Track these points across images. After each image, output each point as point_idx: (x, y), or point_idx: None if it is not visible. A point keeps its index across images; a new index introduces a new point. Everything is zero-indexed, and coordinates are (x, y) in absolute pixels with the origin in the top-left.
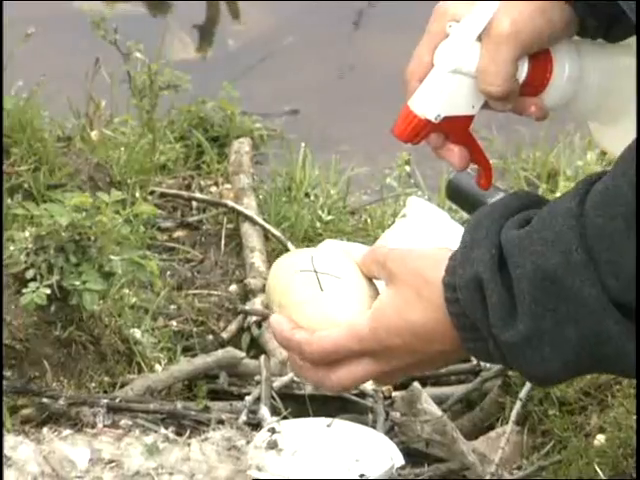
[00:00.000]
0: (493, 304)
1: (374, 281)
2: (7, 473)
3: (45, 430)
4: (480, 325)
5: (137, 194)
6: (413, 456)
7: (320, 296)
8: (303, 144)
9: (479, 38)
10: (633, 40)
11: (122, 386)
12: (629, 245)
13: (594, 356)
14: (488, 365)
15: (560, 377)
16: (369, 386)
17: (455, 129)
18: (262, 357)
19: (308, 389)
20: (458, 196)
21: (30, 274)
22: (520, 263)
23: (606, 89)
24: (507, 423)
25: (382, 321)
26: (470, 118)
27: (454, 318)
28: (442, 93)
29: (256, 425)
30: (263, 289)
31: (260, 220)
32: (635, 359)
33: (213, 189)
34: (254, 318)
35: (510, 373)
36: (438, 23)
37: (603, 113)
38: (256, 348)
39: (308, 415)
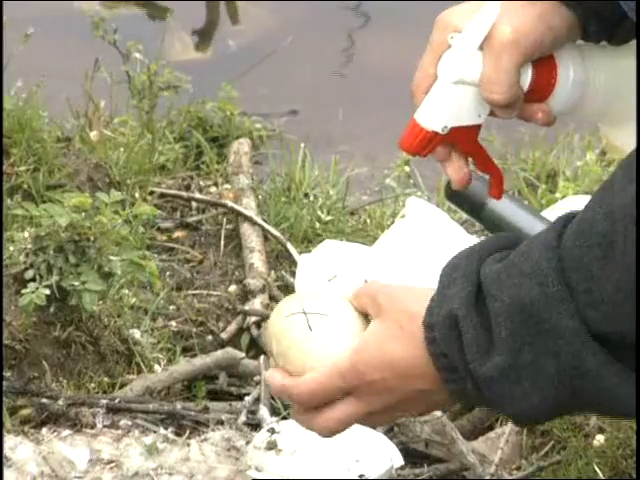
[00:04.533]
0: (469, 340)
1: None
2: (7, 473)
3: (44, 430)
4: (457, 363)
5: (136, 194)
6: (412, 456)
7: (309, 338)
8: (302, 144)
9: (481, 47)
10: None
11: (121, 386)
12: (607, 274)
13: (573, 391)
14: None
15: (541, 414)
16: None
17: (462, 139)
18: (261, 357)
19: None
20: (456, 196)
21: (29, 274)
22: (497, 296)
23: (613, 90)
24: (506, 423)
25: (363, 355)
26: (477, 127)
27: (434, 358)
28: (447, 104)
29: (255, 425)
30: (262, 289)
31: (259, 220)
32: (618, 396)
33: (212, 189)
34: (253, 318)
35: None
36: (440, 34)
37: (612, 115)
38: (255, 348)
39: None
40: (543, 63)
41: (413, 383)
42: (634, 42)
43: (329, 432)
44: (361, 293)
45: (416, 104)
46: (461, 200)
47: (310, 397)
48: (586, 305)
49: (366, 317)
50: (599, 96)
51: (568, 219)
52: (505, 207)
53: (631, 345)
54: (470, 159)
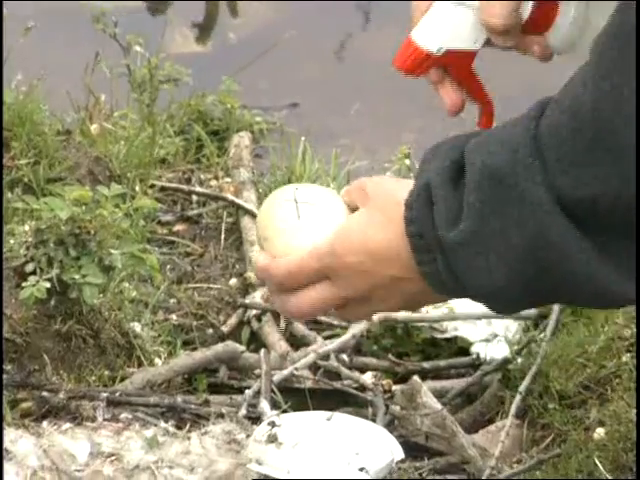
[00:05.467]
0: (439, 208)
1: None
2: (7, 467)
3: (45, 424)
4: (430, 240)
5: (137, 188)
6: (413, 450)
7: (297, 224)
8: (303, 138)
9: None
10: None
11: (122, 380)
12: (578, 136)
13: (539, 265)
14: (488, 359)
15: (508, 294)
16: (369, 380)
17: (457, 64)
18: (262, 351)
19: (308, 383)
20: None
21: (30, 268)
22: (472, 161)
23: None
24: (507, 417)
25: (342, 238)
26: (472, 54)
27: (409, 238)
28: (445, 25)
29: (256, 419)
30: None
31: None
32: (583, 272)
33: (213, 183)
34: (254, 312)
35: (510, 367)
36: None
37: None
38: (256, 342)
39: (308, 409)
40: None
41: (388, 268)
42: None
43: (301, 314)
44: (351, 186)
45: (413, 23)
46: None
47: (287, 277)
48: (556, 172)
49: (355, 212)
50: None
51: (552, 97)
52: None
53: (605, 212)
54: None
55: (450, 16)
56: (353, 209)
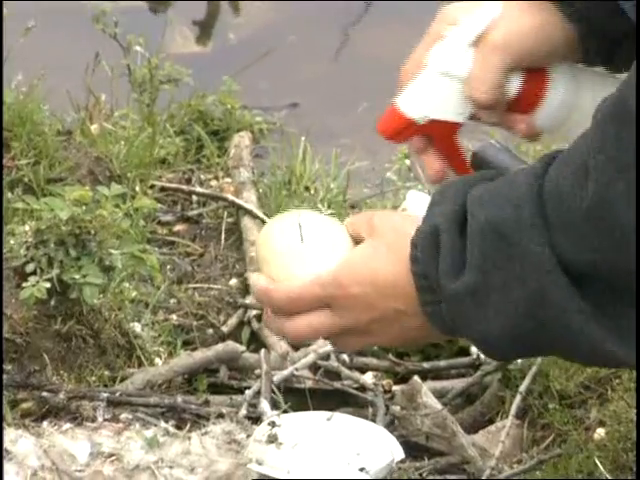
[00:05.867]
0: (444, 255)
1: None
2: (7, 467)
3: (45, 424)
4: (434, 283)
5: (137, 188)
6: (413, 450)
7: (299, 249)
8: (303, 138)
9: (474, 44)
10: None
11: (122, 380)
12: (576, 202)
13: (536, 322)
14: (488, 359)
15: (505, 344)
16: (369, 380)
17: (440, 134)
18: (262, 351)
19: (308, 383)
20: (483, 168)
21: (30, 268)
22: (475, 215)
23: None
24: (507, 417)
25: (347, 268)
26: (457, 125)
27: (414, 277)
28: (430, 94)
29: (256, 419)
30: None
31: (260, 214)
32: (579, 334)
33: (213, 183)
34: (254, 312)
35: (510, 367)
36: (438, 25)
37: None
38: (256, 342)
39: (308, 409)
40: (534, 75)
41: (392, 301)
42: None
43: (298, 337)
44: (357, 218)
45: (401, 88)
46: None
47: (287, 302)
48: (559, 234)
49: (358, 244)
50: (586, 120)
51: (562, 151)
52: None
53: (605, 276)
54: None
55: (436, 86)
56: (357, 240)
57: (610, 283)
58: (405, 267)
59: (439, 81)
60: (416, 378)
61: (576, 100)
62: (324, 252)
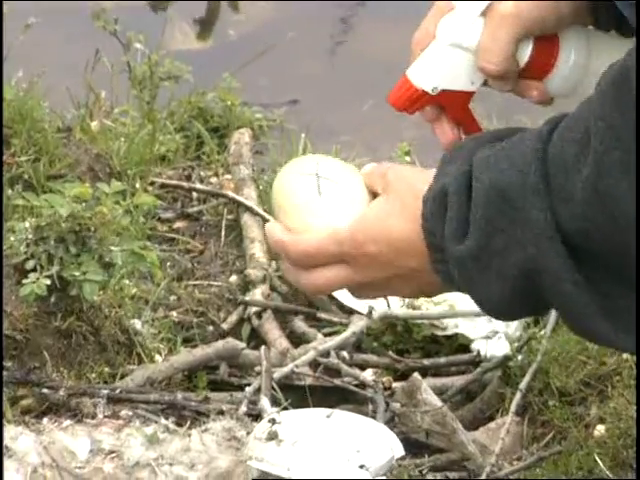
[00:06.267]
0: (451, 217)
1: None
2: (7, 464)
3: (45, 421)
4: (439, 239)
5: (137, 185)
6: (413, 447)
7: (316, 201)
8: (303, 134)
9: (483, 15)
10: None
11: (122, 377)
12: (576, 171)
13: (534, 286)
14: (488, 356)
15: (507, 306)
16: (369, 377)
17: (452, 103)
18: (262, 348)
19: (308, 380)
20: None
21: (30, 265)
22: (480, 178)
23: None
24: (507, 414)
25: (363, 226)
26: (469, 94)
27: (425, 235)
28: (440, 66)
29: (256, 416)
30: (263, 280)
31: (260, 211)
32: (572, 304)
33: (213, 180)
34: (254, 309)
35: (510, 364)
36: None
37: None
38: (256, 339)
39: (308, 406)
40: (545, 41)
41: (407, 260)
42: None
43: (315, 290)
44: (372, 170)
45: (412, 59)
46: None
47: (304, 256)
48: (559, 200)
49: (374, 196)
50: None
51: (567, 114)
52: None
53: (598, 249)
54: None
55: (446, 56)
56: (373, 192)
57: (605, 259)
58: (418, 225)
59: (449, 52)
60: (416, 375)
61: (588, 64)
62: (342, 204)
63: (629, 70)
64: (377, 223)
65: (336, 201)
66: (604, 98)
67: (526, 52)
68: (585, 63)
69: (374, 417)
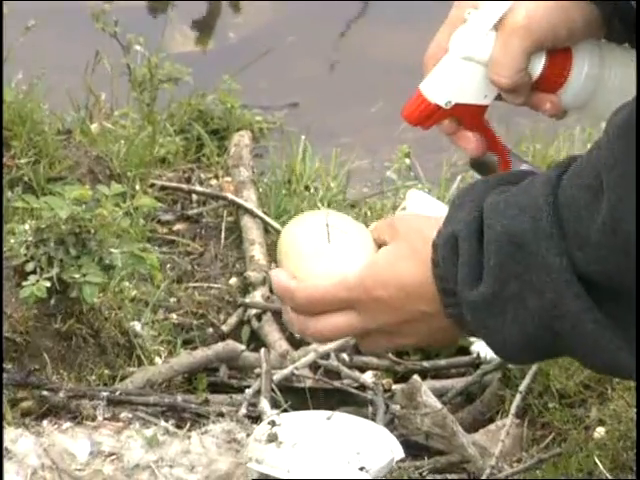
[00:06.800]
0: (463, 263)
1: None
2: (7, 466)
3: (45, 423)
4: (453, 287)
5: (137, 187)
6: (413, 449)
7: (324, 250)
8: (303, 137)
9: (495, 28)
10: None
11: (122, 379)
12: (591, 217)
13: (552, 331)
14: (488, 358)
15: (522, 352)
16: (369, 379)
17: (467, 116)
18: (262, 350)
19: (308, 382)
20: (479, 165)
21: (30, 267)
22: (492, 225)
23: (627, 92)
24: (507, 416)
25: (372, 271)
26: (483, 108)
27: (436, 281)
28: (453, 80)
29: (256, 418)
30: (263, 282)
31: (260, 213)
32: (595, 344)
33: (213, 182)
34: (254, 311)
35: (510, 366)
36: (458, 9)
37: None
38: (256, 341)
39: (308, 408)
40: (558, 54)
41: (418, 304)
42: None
43: (322, 337)
44: (379, 223)
45: (426, 73)
46: (484, 169)
47: (311, 303)
48: (574, 246)
49: (380, 247)
50: (611, 95)
51: (575, 158)
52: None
53: (618, 290)
54: None
55: (459, 70)
56: (380, 245)
57: (625, 295)
58: (428, 269)
59: (462, 66)
60: (416, 377)
61: (601, 76)
62: (350, 253)
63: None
64: (386, 268)
65: (345, 250)
66: (614, 146)
67: (539, 65)
68: (598, 76)
69: (374, 419)
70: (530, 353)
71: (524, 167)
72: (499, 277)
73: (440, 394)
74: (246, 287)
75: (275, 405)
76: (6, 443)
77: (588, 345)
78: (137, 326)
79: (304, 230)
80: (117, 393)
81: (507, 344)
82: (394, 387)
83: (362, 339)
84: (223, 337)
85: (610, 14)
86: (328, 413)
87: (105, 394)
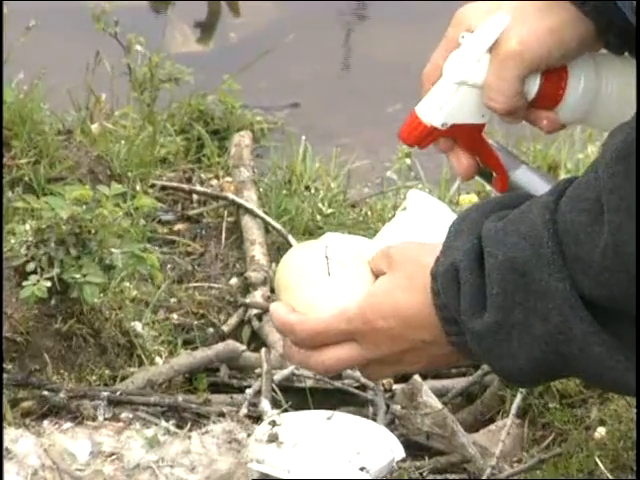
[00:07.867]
0: (465, 292)
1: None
2: (7, 466)
3: (46, 423)
4: (456, 315)
5: (137, 187)
6: (414, 449)
7: (325, 282)
8: (304, 137)
9: (490, 51)
10: None
11: (123, 379)
12: (592, 241)
13: (560, 356)
14: None
15: (529, 376)
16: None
17: (464, 136)
18: (263, 350)
19: (309, 382)
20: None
21: (31, 267)
22: (493, 254)
23: (627, 99)
24: (507, 416)
25: (371, 302)
26: (480, 126)
27: (437, 310)
28: (448, 103)
29: (257, 418)
30: (263, 282)
31: (261, 213)
32: (603, 366)
33: (214, 182)
34: (254, 311)
35: None
36: (455, 29)
37: None
38: (257, 341)
39: (309, 408)
40: (553, 73)
41: (418, 332)
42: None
43: (324, 369)
44: (376, 254)
45: (423, 93)
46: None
47: (312, 336)
48: (577, 270)
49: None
50: (612, 104)
51: (570, 181)
52: (530, 180)
53: (621, 311)
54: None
55: (453, 94)
56: (378, 276)
57: (628, 315)
58: (427, 298)
59: (456, 90)
60: (416, 377)
61: (598, 89)
62: (349, 286)
63: (636, 142)
64: (385, 298)
65: (344, 283)
66: (613, 169)
67: (534, 87)
68: (595, 89)
69: (375, 419)
70: (538, 376)
71: (523, 168)
72: (503, 305)
73: (441, 394)
74: (246, 287)
75: (276, 405)
76: (6, 443)
77: (596, 367)
78: (138, 326)
79: (302, 262)
80: (118, 393)
81: (514, 370)
82: (395, 387)
83: (365, 369)
84: (223, 337)
85: (605, 28)
86: (329, 413)
87: (105, 394)
